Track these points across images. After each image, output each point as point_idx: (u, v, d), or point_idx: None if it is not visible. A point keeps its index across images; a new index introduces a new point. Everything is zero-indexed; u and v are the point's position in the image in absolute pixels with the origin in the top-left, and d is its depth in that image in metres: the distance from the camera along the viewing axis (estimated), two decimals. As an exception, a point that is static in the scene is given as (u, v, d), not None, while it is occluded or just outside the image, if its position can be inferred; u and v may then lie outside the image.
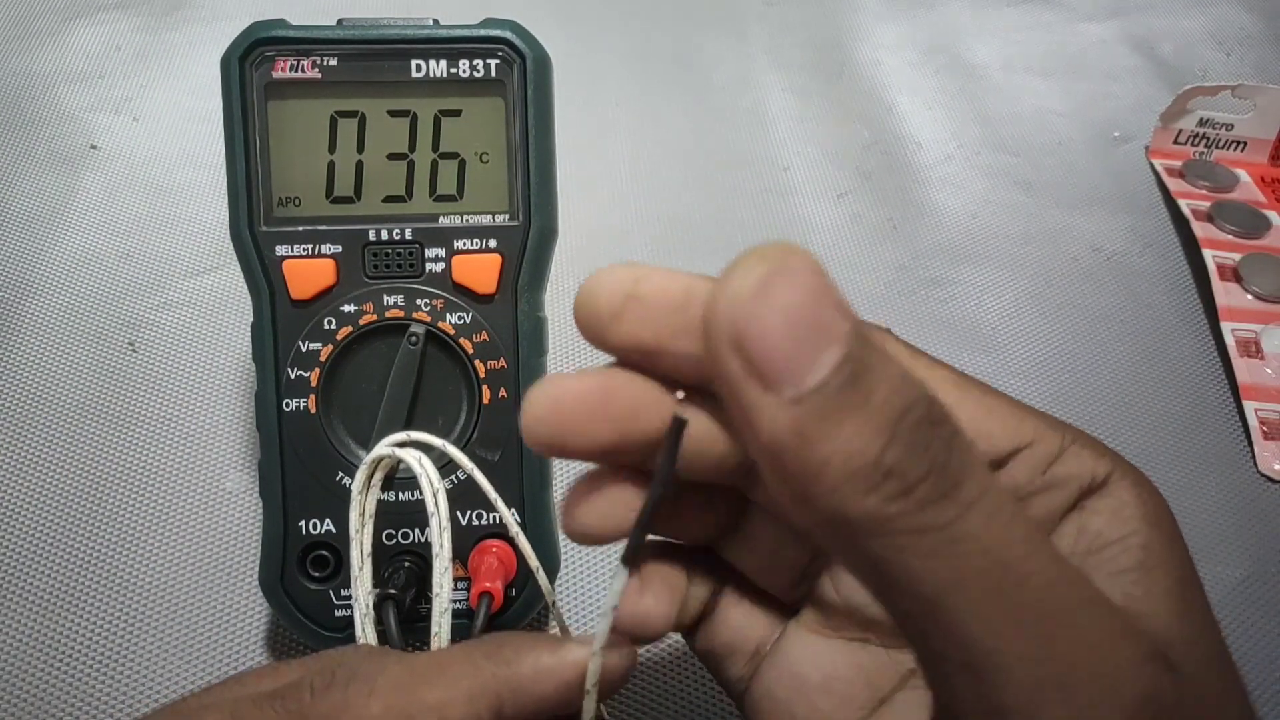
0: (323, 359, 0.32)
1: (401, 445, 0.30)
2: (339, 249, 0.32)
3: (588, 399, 0.18)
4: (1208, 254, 0.48)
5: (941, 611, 0.14)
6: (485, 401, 0.32)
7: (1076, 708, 0.14)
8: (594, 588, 0.37)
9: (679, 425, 0.18)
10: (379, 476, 0.31)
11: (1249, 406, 0.43)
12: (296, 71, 0.31)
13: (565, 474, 0.40)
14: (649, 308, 0.18)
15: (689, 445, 0.19)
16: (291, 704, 0.21)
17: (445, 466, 0.32)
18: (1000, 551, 0.14)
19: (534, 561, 0.29)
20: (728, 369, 0.15)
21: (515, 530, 0.29)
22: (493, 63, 0.32)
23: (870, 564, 0.15)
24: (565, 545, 0.38)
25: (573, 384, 0.19)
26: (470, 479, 0.31)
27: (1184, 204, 0.52)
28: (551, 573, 0.32)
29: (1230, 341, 0.45)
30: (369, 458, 0.30)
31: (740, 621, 0.22)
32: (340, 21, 0.32)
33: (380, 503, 0.31)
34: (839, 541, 0.15)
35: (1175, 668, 0.16)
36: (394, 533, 0.32)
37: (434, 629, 0.29)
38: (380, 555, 0.32)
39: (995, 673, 0.14)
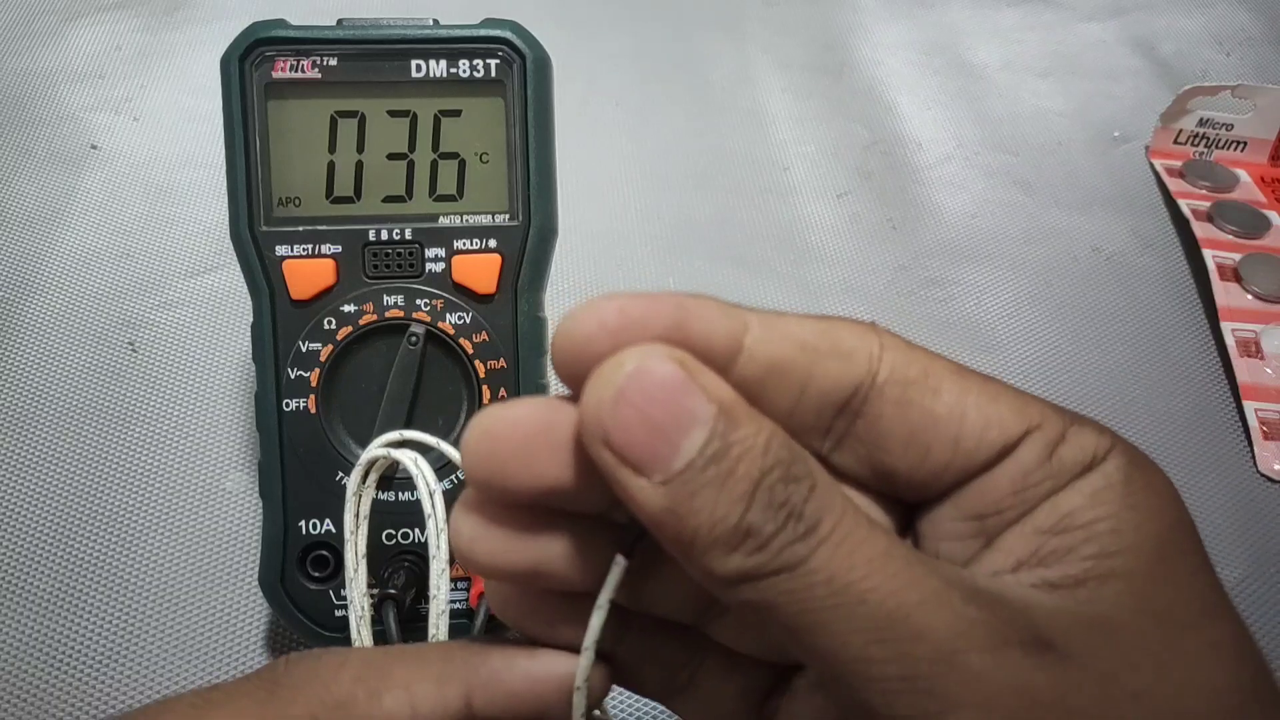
0: (323, 359, 0.32)
1: (397, 445, 0.30)
2: (339, 249, 0.32)
3: (526, 428, 0.18)
4: (1208, 254, 0.48)
5: (804, 636, 0.17)
6: (485, 402, 0.32)
7: (932, 701, 0.16)
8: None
9: (624, 559, 0.18)
10: (374, 477, 0.31)
11: (1249, 406, 0.43)
12: (296, 71, 0.31)
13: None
14: (638, 336, 0.17)
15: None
16: (265, 674, 0.21)
17: (444, 467, 0.32)
18: (842, 577, 0.16)
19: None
20: (603, 461, 0.17)
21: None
22: (493, 63, 0.32)
23: (746, 607, 0.17)
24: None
25: (510, 411, 0.18)
26: (470, 479, 0.31)
27: (1184, 204, 0.52)
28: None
29: (1230, 341, 0.45)
30: (363, 459, 0.30)
31: (728, 693, 0.22)
32: (340, 21, 0.32)
33: (380, 502, 0.31)
34: (721, 592, 0.17)
35: (1062, 656, 0.16)
36: (394, 533, 0.32)
37: (431, 630, 0.29)
38: (381, 555, 0.32)
39: (857, 679, 0.16)
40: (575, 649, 0.20)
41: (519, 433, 0.18)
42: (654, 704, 0.34)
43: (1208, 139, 0.55)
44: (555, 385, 0.43)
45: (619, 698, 0.34)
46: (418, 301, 0.32)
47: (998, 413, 0.18)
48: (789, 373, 0.18)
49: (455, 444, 0.31)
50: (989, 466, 0.18)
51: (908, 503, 0.20)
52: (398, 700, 0.20)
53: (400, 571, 0.32)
